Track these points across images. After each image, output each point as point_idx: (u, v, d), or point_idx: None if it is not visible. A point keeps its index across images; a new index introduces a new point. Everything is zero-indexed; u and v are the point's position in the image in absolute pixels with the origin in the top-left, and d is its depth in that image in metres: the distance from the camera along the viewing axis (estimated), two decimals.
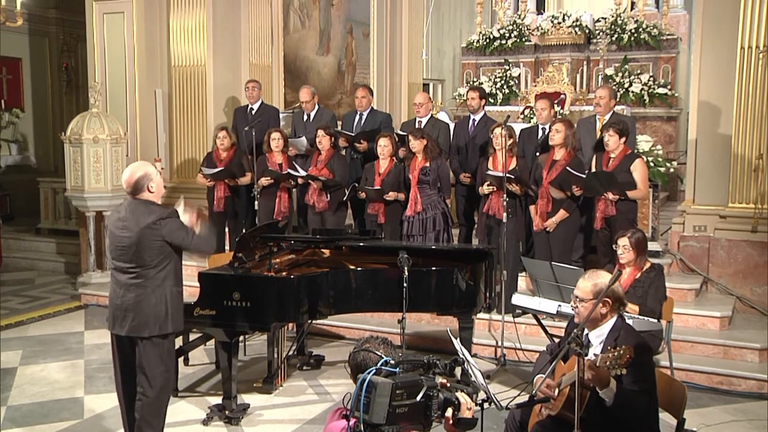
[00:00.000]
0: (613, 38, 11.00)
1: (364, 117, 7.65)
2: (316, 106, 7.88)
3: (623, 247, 4.99)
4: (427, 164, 6.48)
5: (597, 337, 3.48)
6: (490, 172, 6.21)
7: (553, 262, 5.34)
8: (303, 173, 6.92)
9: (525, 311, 5.59)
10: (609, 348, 3.20)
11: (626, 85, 10.69)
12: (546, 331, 5.53)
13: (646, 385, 3.30)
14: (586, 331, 3.49)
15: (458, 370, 3.03)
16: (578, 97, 10.08)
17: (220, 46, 8.91)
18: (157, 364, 4.13)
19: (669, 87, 10.73)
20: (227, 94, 9.05)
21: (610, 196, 5.86)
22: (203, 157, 7.94)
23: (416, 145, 6.48)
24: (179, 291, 4.20)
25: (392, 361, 2.50)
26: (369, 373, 2.39)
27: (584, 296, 3.48)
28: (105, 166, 8.18)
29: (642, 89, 10.65)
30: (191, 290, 5.18)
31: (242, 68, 9.15)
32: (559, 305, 5.04)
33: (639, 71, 10.87)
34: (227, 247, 7.45)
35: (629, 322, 3.72)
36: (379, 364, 2.47)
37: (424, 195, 6.47)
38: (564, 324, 4.34)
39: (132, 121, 8.94)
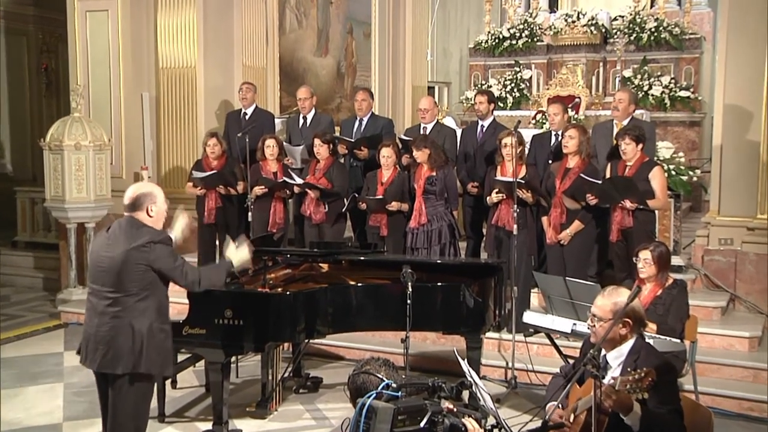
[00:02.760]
0: (632, 38, 11.06)
1: (364, 122, 7.68)
2: (313, 110, 7.92)
3: (644, 261, 4.99)
4: (433, 173, 6.51)
5: (615, 358, 3.48)
6: (498, 178, 6.24)
7: (567, 278, 5.35)
8: (300, 182, 6.96)
9: (537, 330, 5.60)
10: (629, 370, 3.20)
11: (645, 88, 10.74)
12: (560, 352, 5.53)
13: (674, 405, 3.30)
14: (603, 351, 3.49)
15: (465, 394, 3.03)
16: (594, 101, 10.13)
17: (212, 46, 8.96)
18: (126, 408, 3.93)
19: (692, 90, 10.77)
20: (219, 98, 9.08)
21: (628, 204, 5.87)
22: (192, 165, 7.95)
23: (419, 155, 6.53)
24: (162, 329, 4.00)
25: (394, 385, 2.51)
26: (369, 398, 2.40)
27: (603, 315, 3.48)
28: (87, 175, 8.21)
29: (663, 92, 10.70)
30: (180, 307, 5.18)
31: (235, 70, 9.16)
32: (574, 324, 5.04)
33: (659, 73, 10.92)
34: (218, 262, 7.46)
35: (650, 342, 3.73)
36: (380, 388, 2.48)
37: (429, 206, 6.50)
38: (579, 344, 4.34)
39: (117, 127, 8.97)
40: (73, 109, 8.43)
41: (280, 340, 5.21)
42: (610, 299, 3.49)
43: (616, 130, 6.56)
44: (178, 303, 4.97)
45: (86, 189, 8.23)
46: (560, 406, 3.54)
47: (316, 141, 7.02)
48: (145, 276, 3.90)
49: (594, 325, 3.51)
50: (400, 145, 7.07)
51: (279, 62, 9.65)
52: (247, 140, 7.14)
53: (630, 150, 5.93)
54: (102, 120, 8.79)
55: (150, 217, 4.01)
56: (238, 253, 4.41)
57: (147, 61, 9.06)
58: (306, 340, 5.64)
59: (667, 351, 4.64)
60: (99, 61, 8.97)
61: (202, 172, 7.37)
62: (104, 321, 3.92)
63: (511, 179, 6.02)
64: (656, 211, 6.40)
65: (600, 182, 5.97)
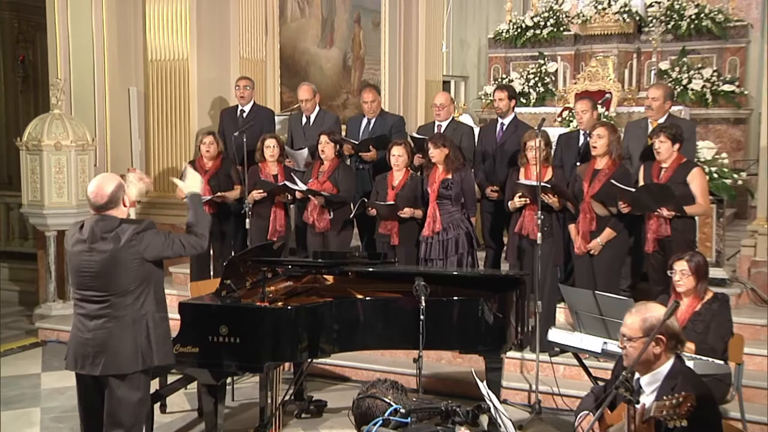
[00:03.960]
0: (669, 26, 11.07)
1: (372, 120, 7.73)
2: (317, 108, 7.97)
3: (681, 273, 4.99)
4: (449, 176, 6.54)
5: (650, 383, 3.47)
6: (522, 181, 6.26)
7: (597, 291, 5.36)
8: (302, 187, 6.99)
9: (564, 349, 5.61)
10: (665, 397, 3.20)
11: (684, 82, 10.74)
12: (589, 374, 5.55)
13: None
14: (636, 375, 3.49)
15: (483, 419, 3.04)
16: (626, 97, 10.13)
17: (206, 37, 9.01)
18: (129, 407, 4.11)
19: (737, 83, 10.77)
20: (214, 94, 9.15)
21: (665, 212, 5.89)
22: (185, 166, 8.00)
23: (436, 154, 6.55)
24: (163, 317, 4.22)
25: (403, 410, 2.51)
26: (375, 424, 2.40)
27: (632, 334, 3.48)
28: (69, 178, 8.25)
29: (704, 87, 10.70)
30: (170, 323, 5.21)
31: (231, 63, 9.24)
32: (605, 342, 5.06)
33: (700, 65, 10.92)
34: (212, 273, 7.51)
35: (689, 363, 3.73)
36: (387, 414, 2.48)
37: (444, 212, 6.53)
38: (611, 365, 4.36)
39: (101, 125, 9.01)
40: (52, 105, 8.47)
41: (281, 360, 5.23)
42: (639, 316, 3.49)
43: (650, 129, 6.57)
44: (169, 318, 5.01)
45: (67, 193, 8.27)
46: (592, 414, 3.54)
47: (323, 139, 7.06)
48: (140, 270, 4.05)
49: (625, 347, 3.51)
50: (413, 144, 7.10)
51: (280, 54, 9.72)
52: (244, 140, 7.19)
53: (664, 149, 5.94)
54: (85, 117, 8.81)
55: (125, 207, 4.14)
56: (191, 184, 4.51)
57: (135, 53, 9.12)
58: (309, 360, 5.66)
59: (708, 373, 4.64)
60: (81, 53, 8.98)
61: None
62: (101, 324, 4.05)
63: (535, 183, 6.04)
64: (696, 218, 6.40)
65: (633, 189, 5.97)
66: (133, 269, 4.03)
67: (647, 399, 3.41)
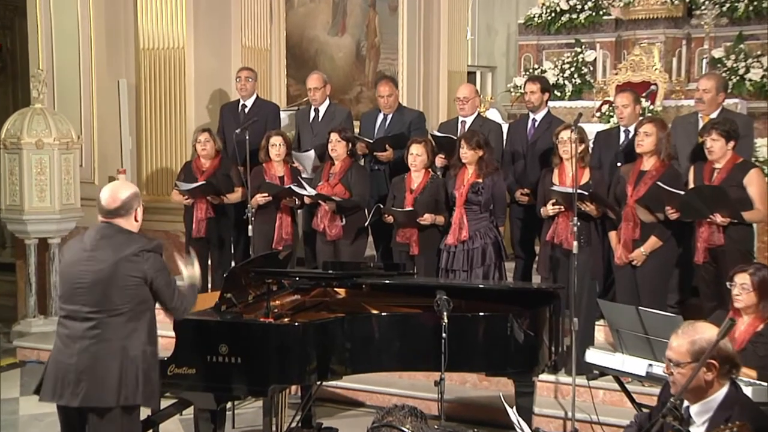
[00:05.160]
0: (724, 8, 10.99)
1: (389, 116, 7.75)
2: (327, 101, 7.99)
3: (741, 287, 4.94)
4: (480, 180, 6.53)
5: (701, 412, 3.43)
6: (555, 188, 6.26)
7: (641, 307, 5.34)
8: (311, 191, 7.01)
9: (603, 372, 5.60)
10: (720, 427, 3.15)
11: (741, 72, 10.66)
12: (632, 400, 5.53)
13: None
14: (686, 403, 3.48)
15: None
16: (674, 89, 10.10)
17: (204, 24, 9.04)
18: None
19: None
20: (212, 87, 9.18)
21: (718, 219, 5.86)
22: (180, 167, 8.04)
23: (469, 155, 6.55)
24: (153, 352, 4.20)
25: None
26: None
27: (679, 359, 3.45)
28: (51, 180, 8.29)
29: (763, 77, 10.62)
30: (164, 342, 5.23)
31: (232, 53, 9.26)
32: (650, 365, 5.03)
33: (759, 52, 10.82)
34: (211, 286, 7.54)
35: (746, 390, 3.70)
36: None
37: (472, 219, 6.53)
38: (656, 390, 4.34)
39: (88, 121, 9.07)
40: (33, 98, 8.53)
41: (287, 382, 5.26)
42: (687, 338, 3.45)
43: (701, 125, 6.56)
44: (161, 336, 5.02)
45: (50, 197, 8.31)
46: None
47: (333, 137, 7.08)
48: (138, 292, 4.04)
49: (671, 372, 3.49)
50: (434, 144, 7.11)
51: (286, 43, 9.74)
52: (247, 137, 7.20)
53: (717, 148, 5.92)
54: (69, 112, 8.87)
55: (136, 222, 4.17)
56: (191, 274, 4.49)
57: (125, 41, 9.16)
58: (318, 383, 5.67)
59: None
60: (66, 41, 9.05)
61: (190, 181, 7.43)
62: (86, 346, 4.03)
63: (570, 189, 6.03)
64: (754, 226, 6.38)
65: (682, 193, 5.95)
66: (130, 288, 4.03)
67: (698, 430, 3.39)
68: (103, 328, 4.03)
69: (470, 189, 6.53)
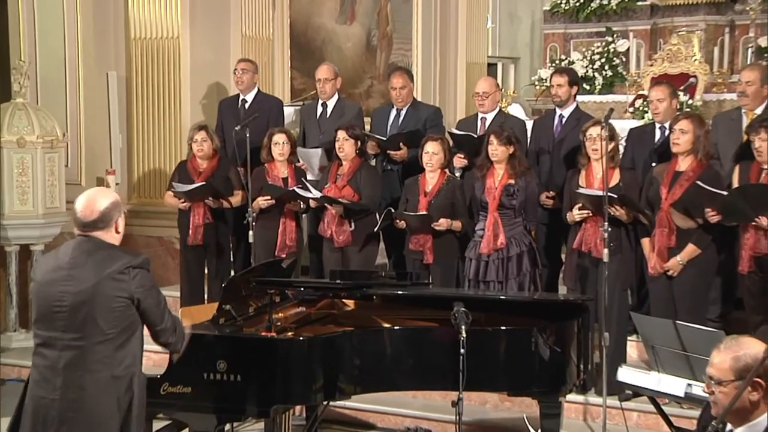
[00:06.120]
0: None
1: (402, 112, 7.77)
2: (336, 96, 8.01)
3: None
4: (513, 181, 6.52)
5: None
6: (582, 191, 6.26)
7: (678, 321, 5.34)
8: (317, 194, 7.03)
9: (637, 392, 5.59)
10: None
11: None
12: (669, 423, 5.52)
13: None
14: (729, 426, 3.47)
15: None
16: (715, 81, 10.10)
17: (200, 11, 9.07)
18: None
19: None
20: (210, 80, 9.21)
21: (765, 222, 5.86)
22: (174, 168, 8.07)
23: (499, 152, 6.52)
24: (143, 381, 4.12)
25: None
26: None
27: (722, 377, 3.43)
28: (34, 181, 8.30)
29: None
30: (156, 357, 5.25)
31: (231, 43, 9.29)
32: (689, 384, 5.03)
33: None
34: (207, 297, 7.56)
35: None
36: None
37: (506, 224, 6.50)
38: (696, 412, 4.34)
39: (74, 117, 9.10)
40: (15, 93, 8.52)
41: (290, 402, 5.27)
42: (730, 354, 3.43)
43: (745, 121, 6.55)
44: (153, 351, 5.04)
45: (32, 200, 8.32)
46: None
47: (341, 134, 7.09)
48: (125, 314, 3.90)
49: (713, 392, 3.47)
50: (451, 142, 7.12)
51: (290, 32, 9.76)
52: (247, 135, 7.21)
53: (766, 148, 5.92)
54: (54, 108, 8.89)
55: (117, 234, 4.02)
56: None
57: (114, 32, 9.20)
58: (324, 402, 5.67)
59: None
60: (50, 32, 9.08)
61: (186, 183, 7.45)
62: (71, 380, 3.87)
63: (597, 192, 6.03)
64: None
65: (725, 192, 5.94)
66: (117, 310, 3.88)
67: None
68: (89, 357, 3.88)
69: (503, 191, 6.50)
